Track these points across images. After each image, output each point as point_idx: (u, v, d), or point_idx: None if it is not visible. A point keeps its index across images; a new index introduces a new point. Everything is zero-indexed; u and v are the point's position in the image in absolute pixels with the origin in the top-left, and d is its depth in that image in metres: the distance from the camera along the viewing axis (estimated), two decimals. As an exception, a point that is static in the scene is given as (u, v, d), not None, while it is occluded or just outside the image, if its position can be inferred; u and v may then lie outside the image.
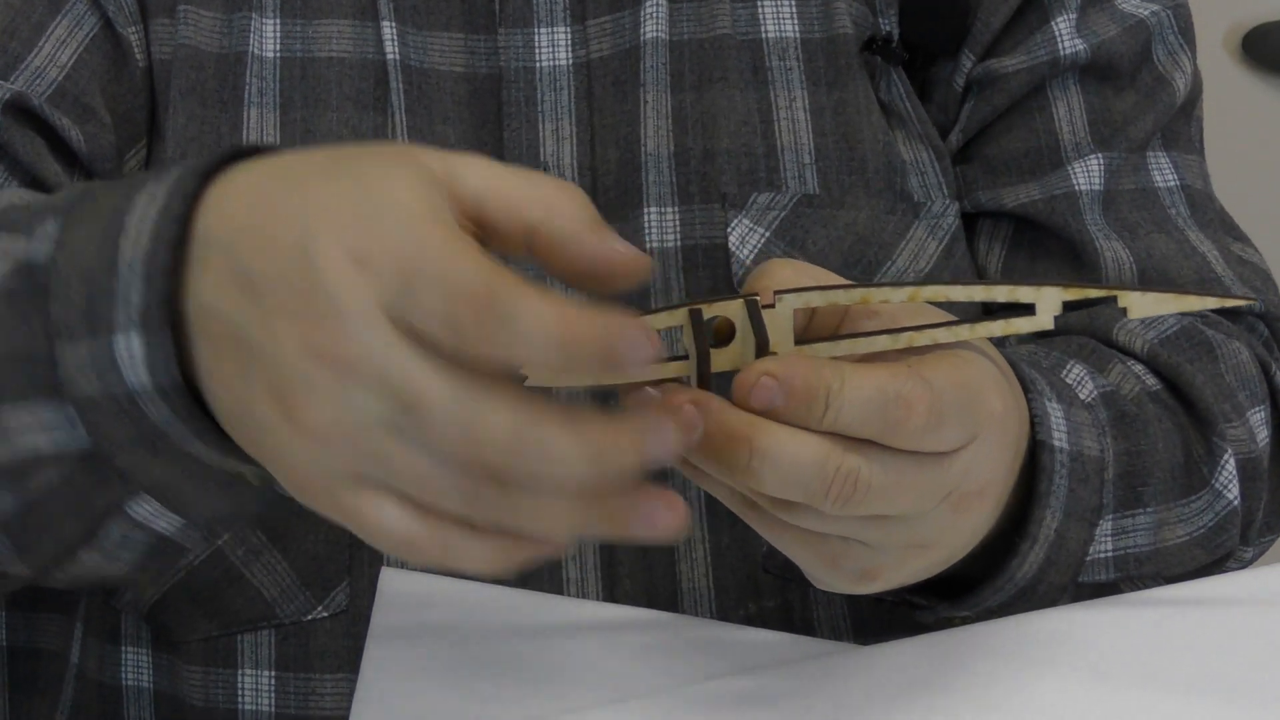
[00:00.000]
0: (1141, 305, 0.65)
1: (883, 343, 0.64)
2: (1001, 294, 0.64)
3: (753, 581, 0.84)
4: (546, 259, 0.58)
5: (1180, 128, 0.93)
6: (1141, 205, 0.90)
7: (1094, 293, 0.65)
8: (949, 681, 0.73)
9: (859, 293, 0.64)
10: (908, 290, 0.64)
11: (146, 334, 0.61)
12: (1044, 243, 0.90)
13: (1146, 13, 0.91)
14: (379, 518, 0.57)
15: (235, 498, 0.67)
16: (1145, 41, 0.91)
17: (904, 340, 0.64)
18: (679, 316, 0.63)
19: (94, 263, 0.63)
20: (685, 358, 0.63)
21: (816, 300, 0.64)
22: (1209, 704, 0.72)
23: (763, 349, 0.61)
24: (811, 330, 0.66)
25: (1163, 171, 0.91)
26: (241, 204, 0.60)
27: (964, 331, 0.64)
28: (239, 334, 0.59)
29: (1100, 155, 0.90)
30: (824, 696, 0.72)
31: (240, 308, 0.58)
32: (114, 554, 0.70)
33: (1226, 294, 0.88)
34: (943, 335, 0.64)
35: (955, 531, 0.66)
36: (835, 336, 0.65)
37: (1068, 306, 0.65)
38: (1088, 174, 0.90)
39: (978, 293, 0.64)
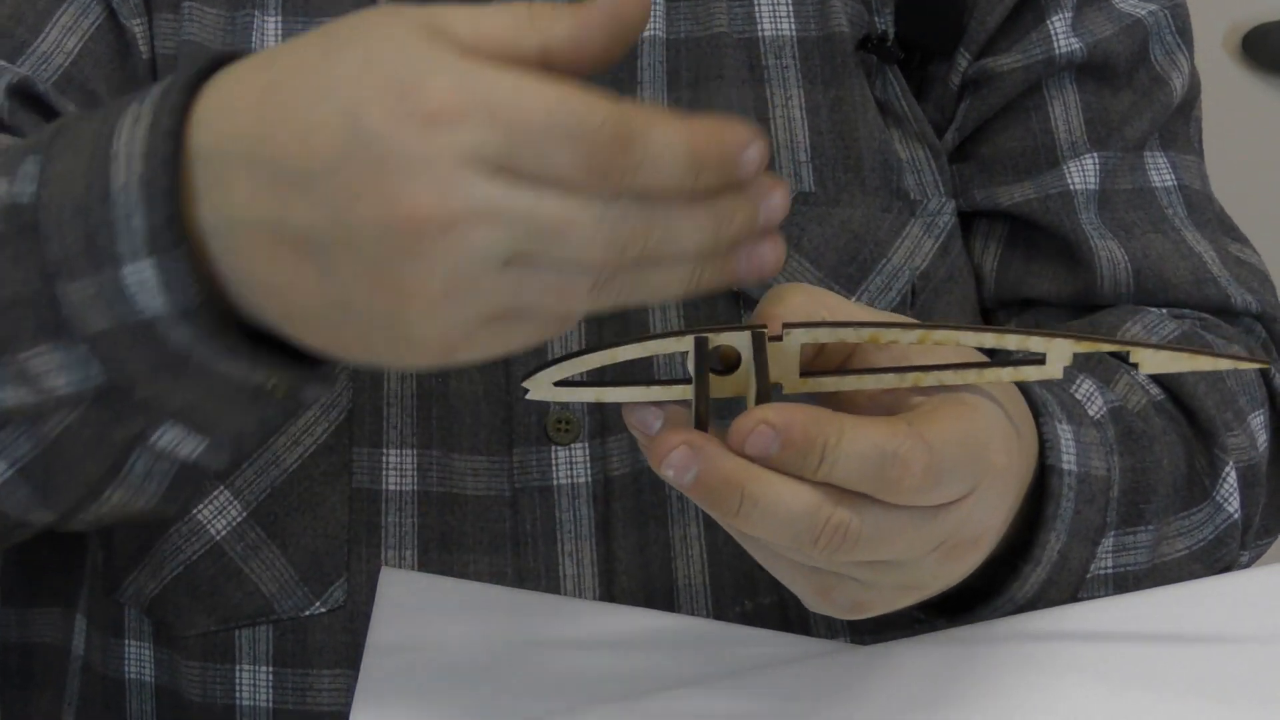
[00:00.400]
0: (1154, 362, 0.64)
1: (890, 381, 0.64)
2: (1012, 343, 0.64)
3: (749, 578, 0.84)
4: (567, 67, 0.58)
5: (1178, 127, 0.93)
6: (1138, 205, 0.90)
7: (1107, 347, 0.65)
8: (948, 682, 0.73)
9: (868, 332, 0.63)
10: (918, 333, 0.64)
11: (158, 259, 0.60)
12: (1039, 242, 0.90)
13: (1144, 12, 0.91)
14: (512, 339, 0.58)
15: (261, 411, 0.66)
16: (1142, 41, 0.91)
17: (910, 380, 0.64)
18: (685, 344, 0.63)
19: (84, 195, 0.61)
20: (690, 380, 0.63)
21: (825, 337, 0.64)
22: (1209, 704, 0.72)
23: (764, 393, 0.61)
24: (821, 360, 0.66)
25: (1160, 171, 0.91)
26: (246, 111, 0.58)
27: (972, 375, 0.64)
28: (304, 236, 0.57)
29: (1096, 155, 0.90)
30: (822, 696, 0.72)
31: (295, 209, 0.57)
32: (140, 486, 0.69)
33: (1227, 299, 0.89)
34: (949, 377, 0.64)
35: (946, 576, 0.66)
36: (843, 371, 0.65)
37: (1078, 358, 0.65)
38: (1083, 173, 0.90)
39: (988, 339, 0.64)
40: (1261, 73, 1.94)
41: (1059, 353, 0.64)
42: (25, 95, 0.83)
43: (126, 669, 0.86)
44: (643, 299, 0.59)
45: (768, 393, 0.61)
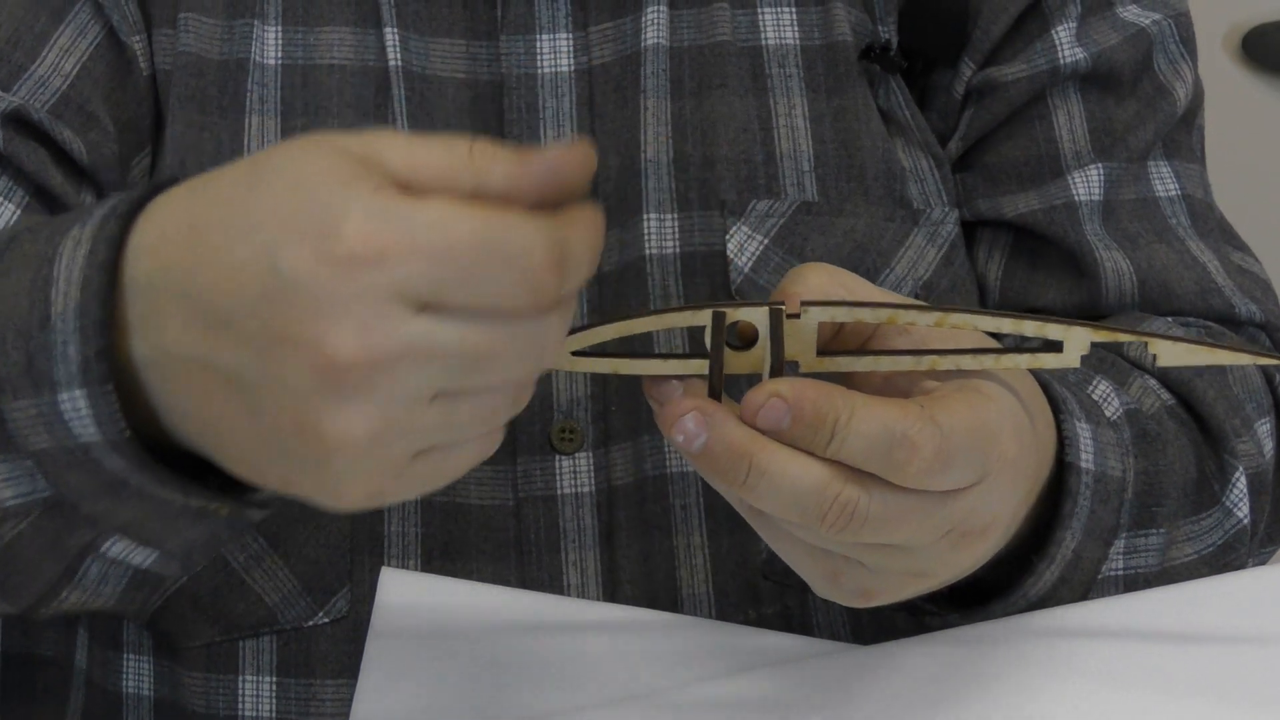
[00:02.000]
0: (1172, 354, 0.64)
1: (906, 363, 0.64)
2: (1031, 329, 0.64)
3: (752, 588, 0.84)
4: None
5: (1181, 137, 0.93)
6: (1142, 215, 0.90)
7: (1124, 337, 0.65)
8: (950, 681, 0.73)
9: (887, 313, 0.64)
10: (936, 315, 0.64)
11: (88, 389, 0.59)
12: (1043, 252, 0.90)
13: (1148, 22, 0.91)
14: (456, 468, 0.58)
15: (208, 529, 0.65)
16: (1146, 50, 0.91)
17: (927, 363, 0.64)
18: (703, 317, 0.63)
19: (27, 316, 0.61)
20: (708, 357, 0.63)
21: (843, 316, 0.64)
22: (1215, 704, 0.72)
23: (778, 369, 0.62)
24: (840, 339, 0.66)
25: (1164, 181, 0.91)
26: (176, 245, 0.58)
27: (988, 361, 0.64)
28: (232, 375, 0.56)
29: (1100, 165, 0.90)
30: (825, 696, 0.73)
31: (224, 349, 0.56)
32: (96, 590, 0.69)
33: (1231, 309, 0.89)
34: (967, 363, 0.64)
35: (954, 565, 0.66)
36: (859, 351, 0.65)
37: (1095, 347, 0.65)
38: (1087, 184, 0.90)
39: (1006, 324, 0.64)
40: (1261, 73, 1.94)
41: (1077, 341, 0.64)
42: (21, 123, 0.83)
43: (124, 683, 0.86)
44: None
45: (782, 368, 0.62)
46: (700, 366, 0.63)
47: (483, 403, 0.56)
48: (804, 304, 0.63)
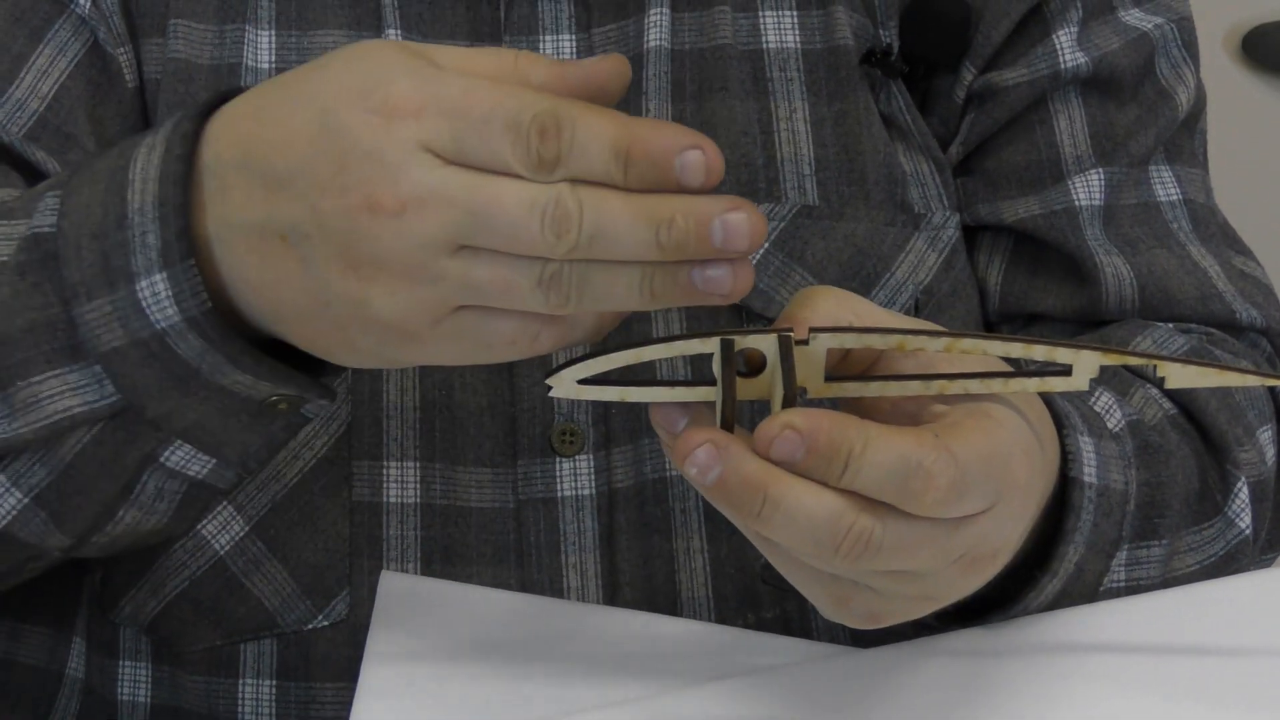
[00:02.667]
0: (1181, 376, 0.64)
1: (915, 388, 0.64)
2: (1040, 354, 0.64)
3: (751, 592, 0.85)
4: None
5: (1183, 141, 0.93)
6: (1143, 220, 0.90)
7: (1134, 360, 0.65)
8: (951, 686, 0.73)
9: (896, 339, 0.63)
10: (945, 341, 0.63)
11: (169, 271, 0.65)
12: (1044, 257, 0.90)
13: (1150, 26, 0.91)
14: (482, 337, 0.62)
15: (266, 428, 0.71)
16: (1148, 55, 0.91)
17: (936, 388, 0.64)
18: (711, 345, 0.63)
19: (101, 221, 0.66)
20: (715, 383, 0.63)
21: (852, 342, 0.64)
22: (1212, 709, 0.72)
23: (790, 397, 0.61)
24: (847, 364, 0.66)
25: (1165, 186, 0.91)
26: (244, 123, 0.64)
27: (997, 385, 0.64)
28: (287, 230, 0.62)
29: (1101, 170, 0.90)
30: (825, 700, 0.72)
31: (279, 206, 0.62)
32: (151, 506, 0.73)
33: (1232, 315, 0.89)
34: (975, 387, 0.64)
35: (963, 588, 0.66)
36: (868, 376, 0.65)
37: (1104, 370, 0.65)
38: (1088, 189, 0.90)
39: (1015, 350, 0.64)
40: (1261, 73, 1.93)
41: (1085, 365, 0.64)
42: None
43: (120, 690, 0.87)
44: (594, 303, 0.61)
45: (794, 397, 0.61)
46: (707, 394, 0.63)
47: (500, 269, 0.60)
48: (813, 330, 0.63)
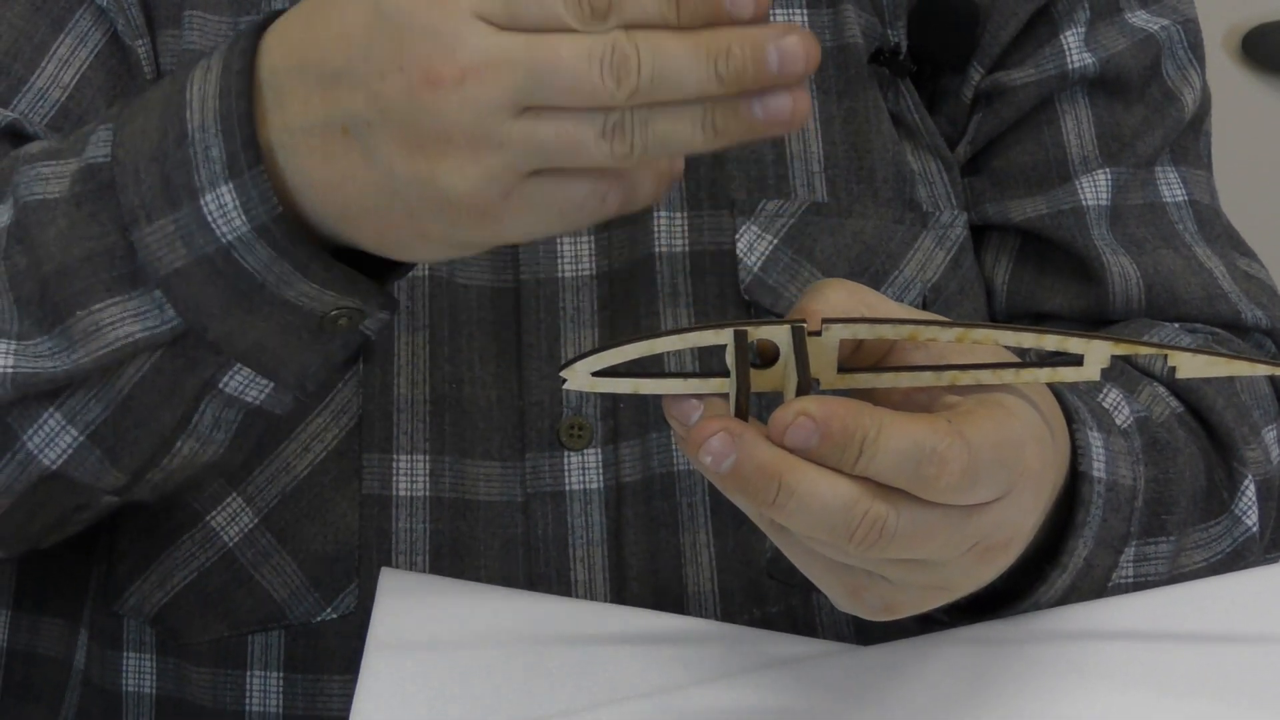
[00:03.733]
0: (1191, 365, 0.65)
1: (927, 379, 0.64)
2: (1051, 343, 0.64)
3: (757, 586, 0.85)
4: None
5: (1189, 143, 0.93)
6: (1149, 221, 0.90)
7: (1145, 349, 0.65)
8: (956, 682, 0.73)
9: (908, 329, 0.64)
10: (957, 331, 0.64)
11: (236, 181, 0.65)
12: (1051, 257, 0.90)
13: (1156, 27, 0.91)
14: (552, 204, 0.62)
15: (325, 347, 0.71)
16: (1155, 56, 0.91)
17: (948, 378, 0.64)
18: (724, 336, 0.63)
19: (159, 143, 0.67)
20: (728, 374, 0.63)
21: (864, 333, 0.64)
22: (1218, 704, 0.72)
23: (804, 386, 0.61)
24: (859, 356, 0.66)
25: (1171, 187, 0.91)
26: (296, 30, 0.65)
27: (1009, 375, 0.64)
28: (348, 122, 0.63)
29: (1108, 170, 0.90)
30: (830, 698, 0.73)
31: (338, 100, 0.63)
32: (209, 436, 0.74)
33: (1237, 315, 0.89)
34: (987, 377, 0.64)
35: (976, 578, 0.66)
36: (880, 368, 0.65)
37: (1115, 360, 0.65)
38: (1095, 189, 0.90)
39: (1027, 339, 0.64)
40: (1261, 73, 1.94)
41: (1097, 355, 0.64)
42: (17, 137, 0.83)
43: (124, 681, 0.87)
44: (660, 148, 0.60)
45: (808, 386, 0.61)
46: (720, 385, 0.63)
47: (564, 124, 0.60)
48: (825, 321, 0.63)
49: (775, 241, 0.85)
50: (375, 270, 0.69)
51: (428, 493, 0.83)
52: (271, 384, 0.72)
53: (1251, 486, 0.83)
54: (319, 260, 0.67)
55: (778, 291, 0.85)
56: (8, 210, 0.71)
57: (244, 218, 0.66)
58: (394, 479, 0.83)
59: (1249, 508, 0.82)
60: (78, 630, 0.88)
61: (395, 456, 0.83)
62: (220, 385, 0.71)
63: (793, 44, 0.59)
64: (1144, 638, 0.75)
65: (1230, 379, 0.85)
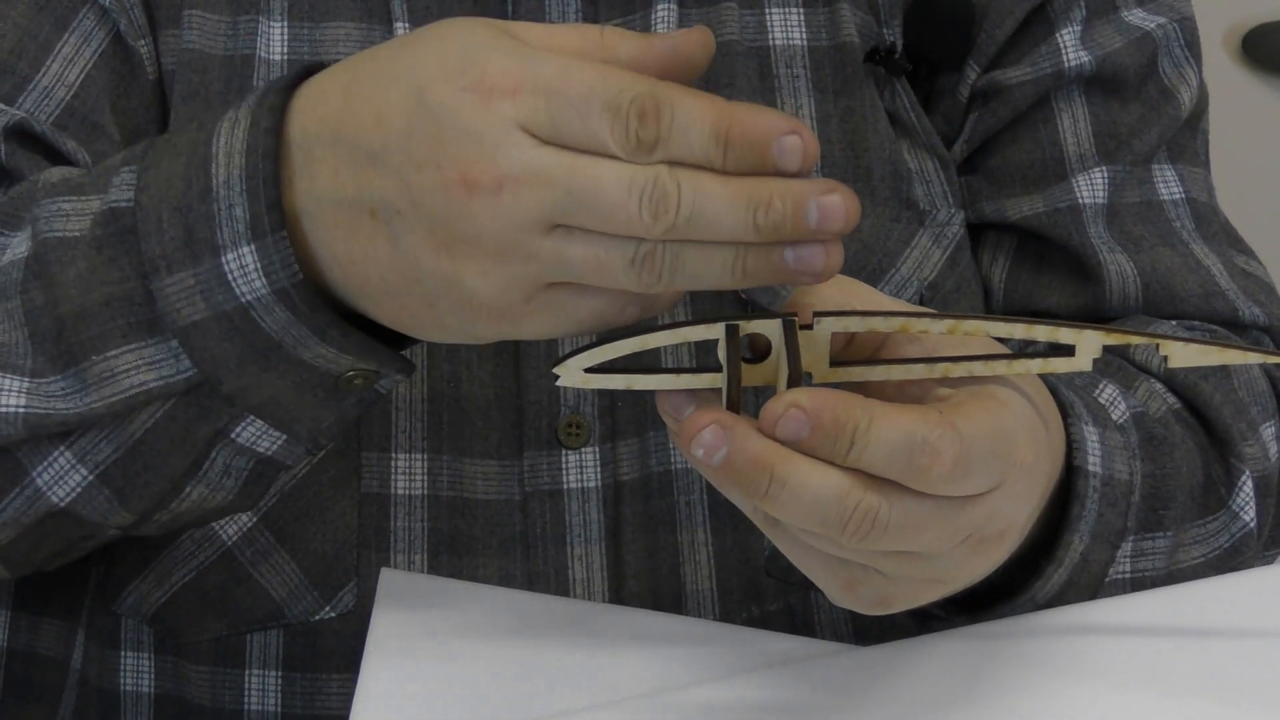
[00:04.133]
0: (1183, 355, 0.65)
1: (919, 371, 0.64)
2: (1042, 334, 0.64)
3: (755, 585, 0.85)
4: None
5: (1185, 140, 0.93)
6: (1146, 218, 0.90)
7: (1136, 339, 0.65)
8: (954, 682, 0.73)
9: (899, 322, 0.64)
10: (948, 323, 0.64)
11: (258, 243, 0.65)
12: (1048, 255, 0.90)
13: (1153, 25, 0.91)
14: (572, 313, 0.63)
15: (340, 404, 0.71)
16: (1151, 54, 0.91)
17: (940, 370, 0.64)
18: (716, 330, 0.63)
19: (184, 194, 0.66)
20: (722, 369, 0.63)
21: (856, 326, 0.64)
22: (1217, 704, 0.72)
23: (795, 379, 0.61)
24: (851, 349, 0.66)
25: (1168, 184, 0.91)
26: (333, 98, 0.64)
27: (1001, 367, 0.64)
28: (378, 205, 0.63)
29: (1105, 168, 0.90)
30: (829, 698, 0.72)
31: (370, 182, 0.62)
32: (218, 483, 0.73)
33: (1235, 313, 0.89)
34: (979, 369, 0.64)
35: (971, 570, 0.66)
36: (872, 361, 0.65)
37: (1106, 351, 0.65)
38: (1092, 187, 0.90)
39: (1019, 330, 0.64)
40: (1261, 73, 1.93)
41: (1088, 345, 0.64)
42: (24, 136, 0.83)
43: (122, 681, 0.86)
44: (686, 282, 0.61)
45: (799, 379, 0.61)
46: (713, 380, 0.63)
47: (594, 248, 0.60)
48: (817, 315, 0.63)
49: None
50: (392, 332, 0.69)
51: (426, 491, 0.83)
52: (284, 436, 0.72)
53: (1249, 482, 0.83)
54: (337, 327, 0.66)
55: (773, 289, 0.85)
56: (26, 241, 0.71)
57: (264, 280, 0.66)
58: (392, 477, 0.83)
59: (1246, 503, 0.82)
60: (75, 630, 0.88)
61: (393, 455, 0.83)
62: (232, 435, 0.71)
63: (835, 202, 0.60)
64: (1142, 637, 0.75)
65: (1227, 376, 0.85)
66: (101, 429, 0.71)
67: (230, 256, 0.66)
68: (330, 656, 0.83)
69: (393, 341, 0.69)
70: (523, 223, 0.60)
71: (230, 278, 0.66)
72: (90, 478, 0.72)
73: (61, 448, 0.71)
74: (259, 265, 0.65)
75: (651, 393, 0.64)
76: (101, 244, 0.68)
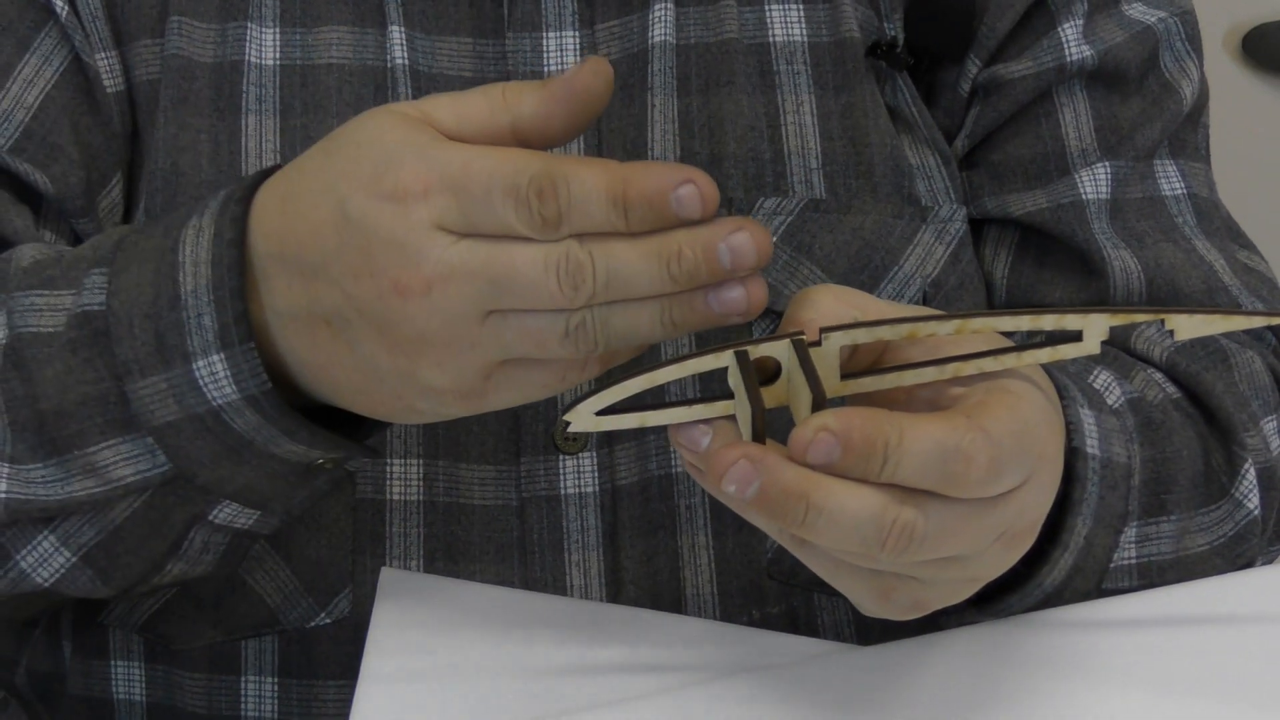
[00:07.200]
0: (1189, 326, 0.64)
1: (930, 374, 0.64)
2: (1049, 323, 0.64)
3: (757, 587, 0.84)
4: (539, 139, 0.65)
5: (1187, 136, 0.93)
6: (1148, 214, 0.90)
7: (1141, 317, 0.65)
8: (958, 682, 0.73)
9: (906, 328, 0.63)
10: (954, 323, 0.63)
11: (227, 352, 0.68)
12: (1051, 251, 0.90)
13: (1154, 20, 0.91)
14: (520, 386, 0.65)
15: (311, 484, 0.74)
16: (1153, 49, 0.91)
17: (950, 370, 0.64)
18: (725, 359, 0.62)
19: (153, 302, 0.69)
20: (731, 397, 0.63)
21: (863, 337, 0.63)
22: (1220, 703, 0.72)
23: (819, 400, 0.60)
24: (855, 359, 0.66)
25: (1170, 180, 0.91)
26: (273, 217, 0.67)
27: (1010, 360, 0.64)
28: (328, 315, 0.65)
29: (1107, 163, 0.90)
30: (827, 696, 0.72)
31: (318, 294, 0.65)
32: (197, 559, 0.77)
33: (1238, 307, 0.89)
34: (989, 364, 0.64)
35: (1002, 565, 0.66)
36: (882, 370, 0.65)
37: (1114, 330, 0.65)
38: (1094, 182, 0.90)
39: (1025, 322, 0.64)
40: (1261, 73, 1.94)
41: (1095, 328, 0.64)
42: None
43: (114, 689, 0.87)
44: (621, 341, 0.63)
45: (822, 399, 0.61)
46: (725, 408, 0.63)
47: (528, 325, 0.63)
48: (824, 331, 0.63)
49: (774, 239, 0.85)
50: (359, 418, 0.72)
51: (422, 497, 0.83)
52: (259, 513, 0.75)
53: (1251, 470, 0.83)
54: (306, 428, 0.69)
55: (777, 290, 0.84)
56: (2, 329, 0.73)
57: (234, 386, 0.68)
58: (388, 483, 0.83)
59: (1250, 491, 0.82)
60: (59, 643, 0.88)
61: (389, 461, 0.83)
62: (210, 517, 0.74)
63: (743, 240, 0.62)
64: (1146, 636, 0.75)
65: (1230, 369, 0.85)
66: (83, 514, 0.73)
67: (201, 363, 0.68)
68: (326, 663, 0.83)
69: (362, 424, 0.73)
70: (457, 316, 0.62)
71: (201, 383, 0.68)
72: (74, 559, 0.74)
73: (45, 531, 0.74)
74: (229, 373, 0.68)
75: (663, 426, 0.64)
76: (76, 346, 0.70)
